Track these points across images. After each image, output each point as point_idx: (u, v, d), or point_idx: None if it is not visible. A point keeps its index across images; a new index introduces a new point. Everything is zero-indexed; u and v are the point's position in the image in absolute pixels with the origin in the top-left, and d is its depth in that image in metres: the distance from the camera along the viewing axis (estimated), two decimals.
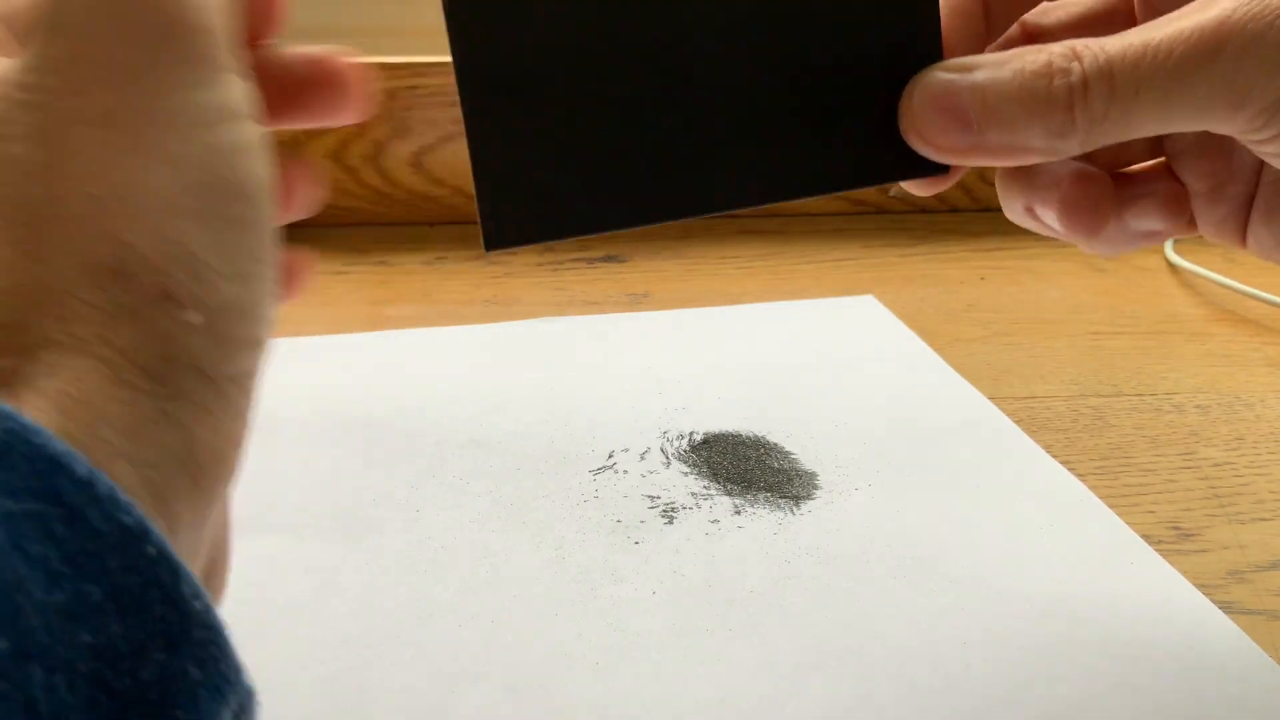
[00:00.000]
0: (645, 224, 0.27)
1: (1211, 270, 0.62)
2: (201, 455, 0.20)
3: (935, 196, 0.72)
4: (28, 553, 0.16)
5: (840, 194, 0.71)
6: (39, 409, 0.18)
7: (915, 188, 0.30)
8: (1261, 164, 0.31)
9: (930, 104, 0.27)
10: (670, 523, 0.40)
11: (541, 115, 0.26)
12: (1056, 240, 0.35)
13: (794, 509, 0.41)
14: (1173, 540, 0.40)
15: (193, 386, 0.20)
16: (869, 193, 0.72)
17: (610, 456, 0.44)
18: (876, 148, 0.28)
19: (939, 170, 0.29)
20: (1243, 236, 0.33)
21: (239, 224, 0.21)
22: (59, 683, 0.15)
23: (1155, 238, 0.33)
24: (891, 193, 0.71)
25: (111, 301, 0.19)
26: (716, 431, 0.46)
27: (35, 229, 0.19)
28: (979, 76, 0.26)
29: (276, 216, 0.22)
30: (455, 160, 0.70)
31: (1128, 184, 0.33)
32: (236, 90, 0.21)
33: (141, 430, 0.19)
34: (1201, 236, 0.34)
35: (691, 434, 0.46)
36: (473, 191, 0.26)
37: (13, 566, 0.15)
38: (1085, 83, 0.26)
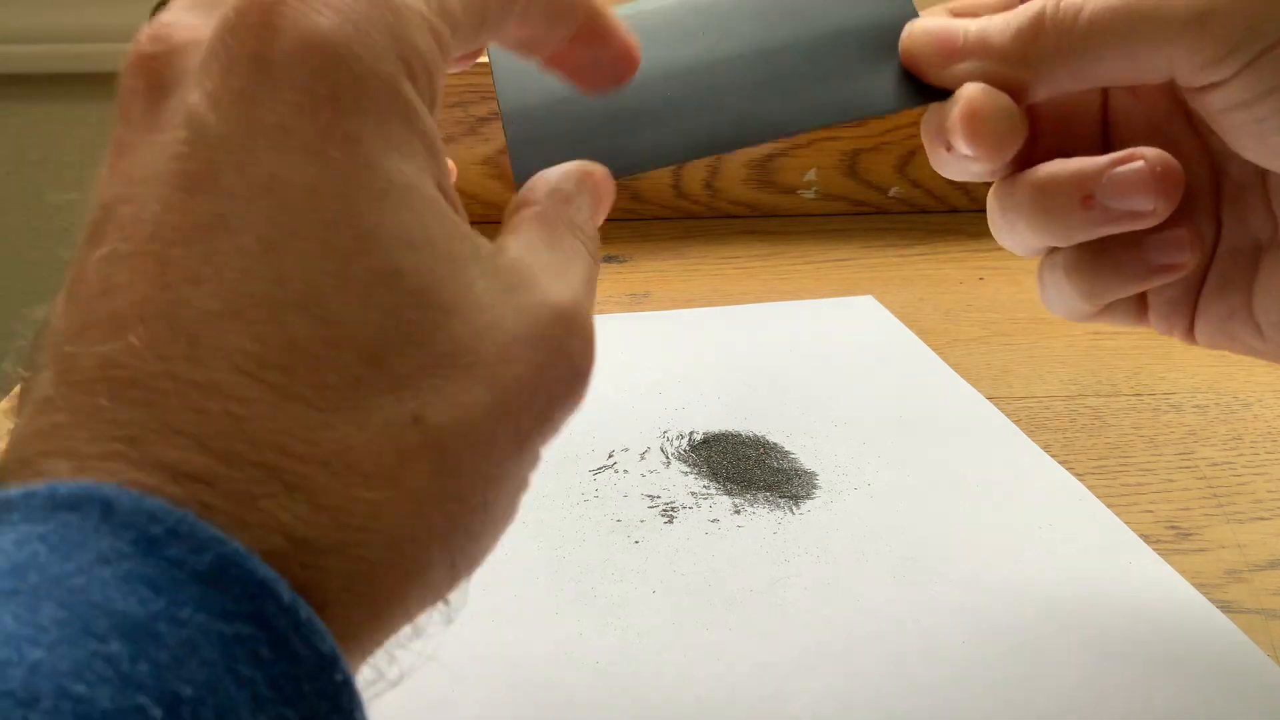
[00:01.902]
0: (667, 164, 0.30)
1: None
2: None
3: (935, 197, 0.72)
4: (239, 675, 0.16)
5: (841, 196, 0.71)
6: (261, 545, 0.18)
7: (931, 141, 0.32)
8: (1218, 234, 0.31)
9: (924, 29, 0.30)
10: (670, 522, 0.40)
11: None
12: None
13: (793, 509, 0.41)
14: (1171, 540, 0.40)
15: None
16: (869, 193, 0.72)
17: (610, 456, 0.44)
18: (877, 83, 0.31)
19: (940, 96, 0.30)
20: (1191, 320, 0.32)
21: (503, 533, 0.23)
22: None
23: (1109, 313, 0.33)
24: (892, 192, 0.71)
25: (429, 570, 0.20)
26: (716, 431, 0.46)
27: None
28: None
29: None
30: (457, 161, 0.70)
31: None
32: (533, 469, 0.23)
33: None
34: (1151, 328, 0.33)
35: (691, 434, 0.46)
36: (475, 192, 0.27)
37: (226, 689, 0.16)
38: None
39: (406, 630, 0.21)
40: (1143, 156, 0.29)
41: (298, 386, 0.18)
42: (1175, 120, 0.31)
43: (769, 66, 0.31)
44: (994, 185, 0.32)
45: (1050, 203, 0.29)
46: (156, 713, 0.15)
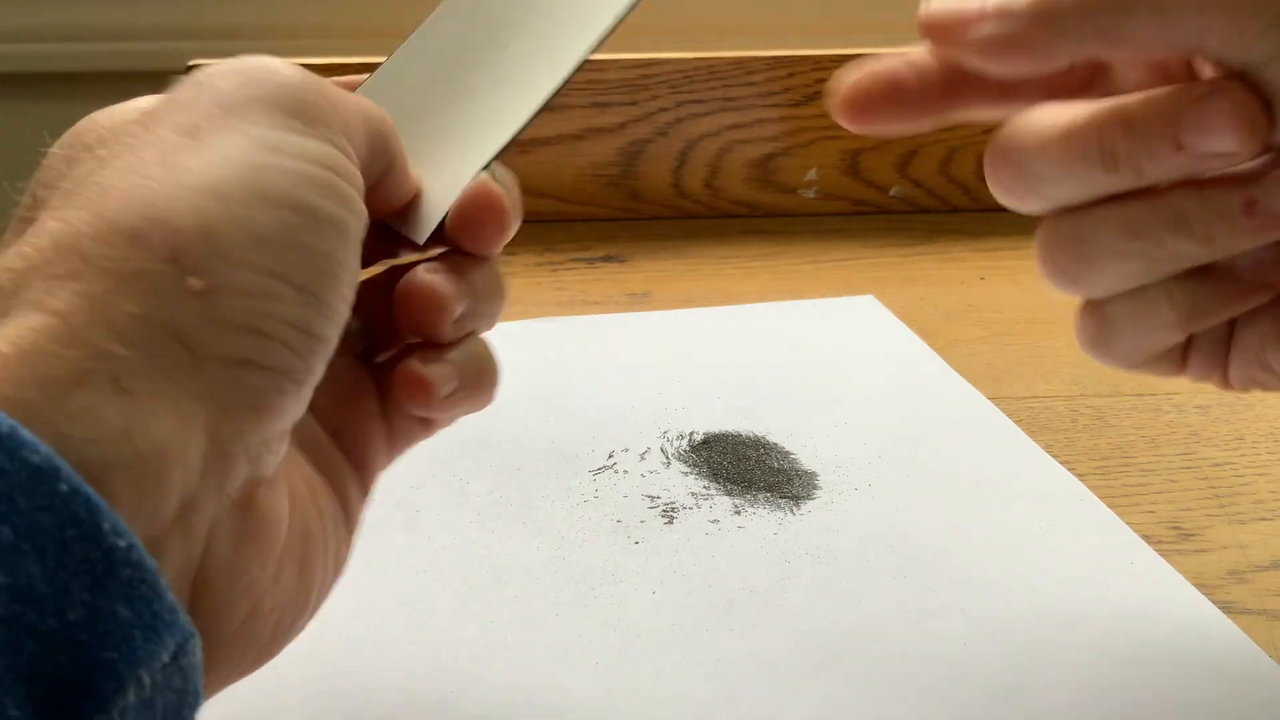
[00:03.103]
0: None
1: None
2: (140, 442, 0.19)
3: (936, 196, 0.72)
4: None
5: (842, 196, 0.71)
6: None
7: None
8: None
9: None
10: (670, 523, 0.40)
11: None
12: None
13: (794, 509, 0.41)
14: (1173, 540, 0.40)
15: (165, 355, 0.19)
16: (870, 192, 0.72)
17: (610, 456, 0.44)
18: None
19: None
20: (1226, 361, 0.30)
21: (291, 239, 0.21)
22: None
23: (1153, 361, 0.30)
24: (893, 192, 0.71)
25: (110, 258, 0.20)
26: (716, 431, 0.46)
27: (80, 194, 0.21)
28: None
29: (353, 268, 0.23)
30: None
31: None
32: (335, 156, 0.23)
33: (74, 398, 0.18)
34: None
35: (691, 434, 0.46)
36: None
37: None
38: None
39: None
40: (1227, 86, 0.25)
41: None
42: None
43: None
44: (1088, 207, 0.28)
45: (1210, 210, 0.26)
46: None
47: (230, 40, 1.05)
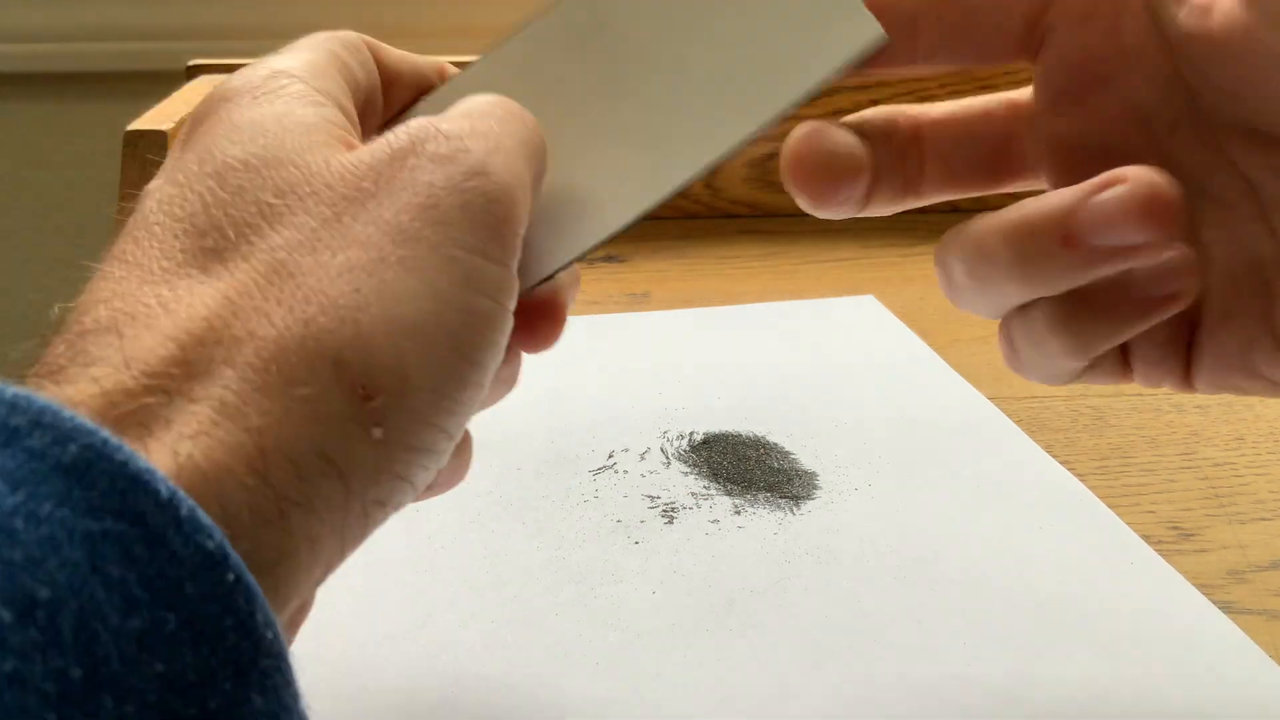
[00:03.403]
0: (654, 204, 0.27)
1: None
2: (281, 567, 0.19)
3: None
4: (107, 576, 0.15)
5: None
6: (161, 463, 0.17)
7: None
8: (1204, 262, 0.26)
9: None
10: (670, 523, 0.40)
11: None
12: None
13: (794, 509, 0.41)
14: (1173, 540, 0.40)
15: (332, 499, 0.20)
16: None
17: (610, 456, 0.44)
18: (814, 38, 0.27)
19: (874, 34, 0.26)
20: (1186, 366, 0.27)
21: (459, 383, 0.21)
22: (128, 712, 0.15)
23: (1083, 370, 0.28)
24: None
25: (309, 384, 0.19)
26: (716, 431, 0.46)
27: (281, 284, 0.20)
28: None
29: (480, 401, 0.23)
30: None
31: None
32: (510, 280, 0.22)
33: (244, 522, 0.18)
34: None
35: (691, 434, 0.46)
36: None
37: (90, 591, 0.15)
38: None
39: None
40: (1125, 178, 0.23)
41: (152, 272, 0.20)
42: (1132, 136, 0.26)
43: (684, 77, 0.27)
44: (959, 253, 0.28)
45: (1028, 248, 0.25)
46: (6, 615, 0.14)
47: (230, 40, 1.05)
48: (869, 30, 0.26)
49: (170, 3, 1.06)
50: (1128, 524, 0.40)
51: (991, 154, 0.28)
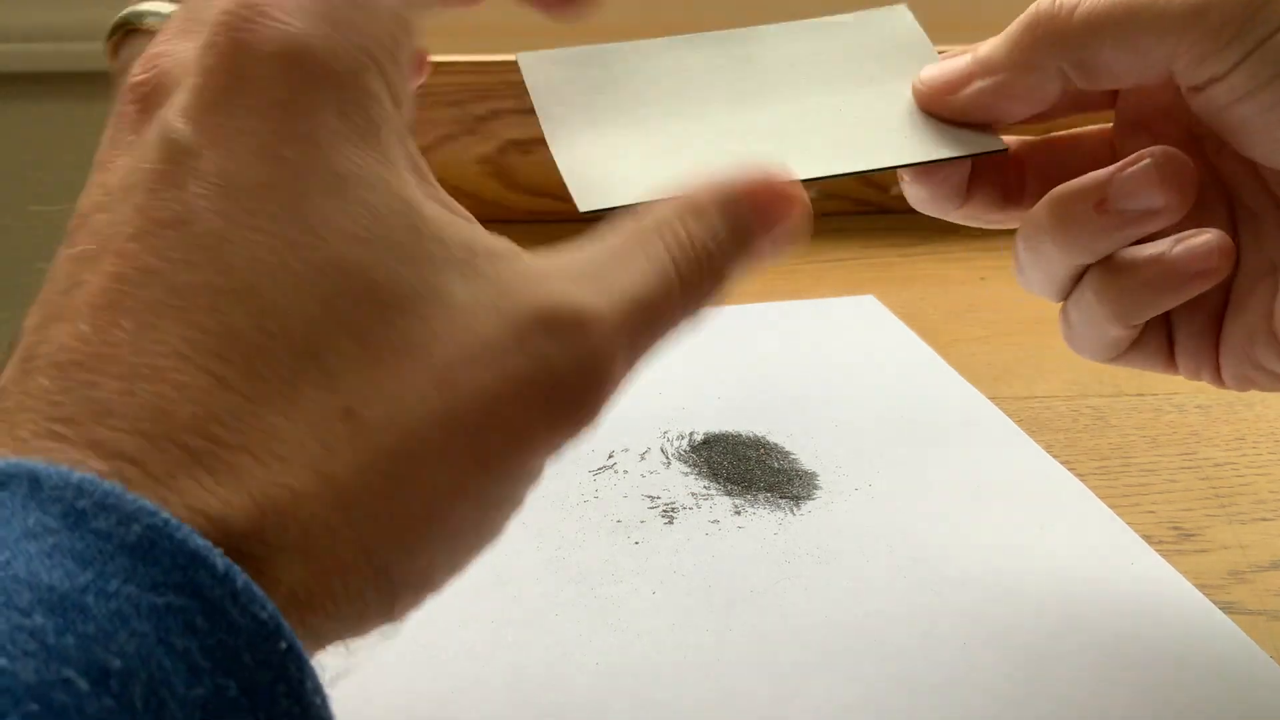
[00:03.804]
0: None
1: None
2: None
3: None
4: (172, 646, 0.16)
5: (842, 195, 0.71)
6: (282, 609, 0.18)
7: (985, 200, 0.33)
8: (1237, 261, 0.31)
9: (924, 76, 0.32)
10: (670, 523, 0.40)
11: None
12: None
13: (794, 509, 0.41)
14: (1173, 540, 0.39)
15: (367, 617, 0.21)
16: (869, 192, 0.72)
17: (610, 456, 0.44)
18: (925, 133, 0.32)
19: (995, 147, 0.31)
20: (1216, 358, 0.32)
21: (468, 566, 0.22)
22: None
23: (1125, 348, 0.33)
24: (893, 191, 0.71)
25: (357, 600, 0.20)
26: (716, 431, 0.46)
27: (338, 458, 0.19)
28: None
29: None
30: (455, 160, 0.70)
31: None
32: (523, 488, 0.22)
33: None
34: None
35: (691, 434, 0.46)
36: (473, 191, 0.27)
37: (157, 660, 0.16)
38: None
39: (337, 651, 0.21)
40: (1149, 155, 0.29)
41: (231, 374, 0.18)
42: (1185, 150, 0.31)
43: (803, 117, 0.31)
44: (1020, 229, 0.32)
45: (1067, 213, 0.30)
46: (83, 685, 0.15)
47: None
48: (995, 143, 0.31)
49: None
50: (1128, 524, 0.40)
51: (1082, 170, 0.32)
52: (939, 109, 0.31)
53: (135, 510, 0.16)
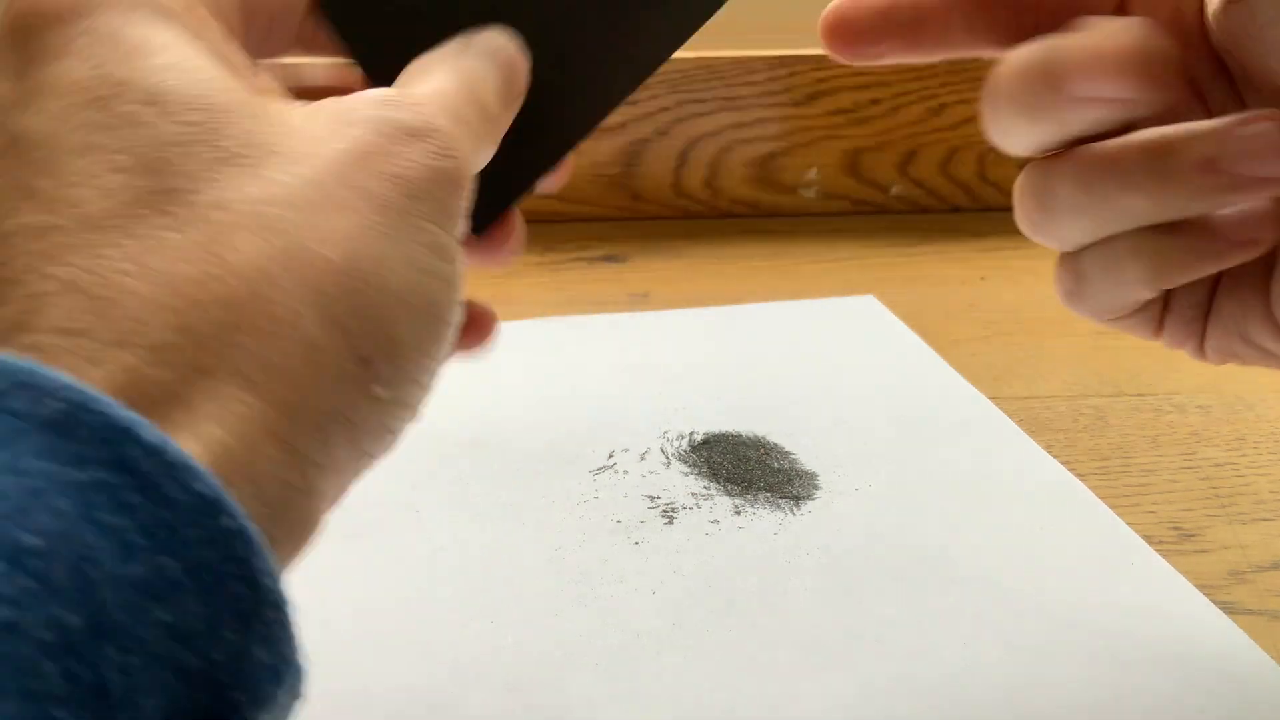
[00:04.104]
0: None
1: None
2: (300, 523, 0.19)
3: (936, 196, 0.72)
4: (99, 523, 0.15)
5: (842, 195, 0.71)
6: (193, 452, 0.17)
7: None
8: None
9: None
10: (670, 523, 0.40)
11: None
12: None
13: (794, 509, 0.41)
14: (1173, 540, 0.39)
15: (343, 457, 0.20)
16: (870, 192, 0.72)
17: (610, 456, 0.44)
18: None
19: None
20: (1203, 331, 0.29)
21: (438, 343, 0.22)
22: (133, 663, 0.15)
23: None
24: (893, 191, 0.71)
25: (325, 350, 0.19)
26: (716, 431, 0.46)
27: (272, 239, 0.19)
28: None
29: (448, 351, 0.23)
30: None
31: None
32: (458, 248, 0.23)
33: (269, 494, 0.18)
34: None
35: (691, 434, 0.46)
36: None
37: (81, 537, 0.15)
38: None
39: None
40: (1270, 117, 0.25)
41: (91, 215, 0.19)
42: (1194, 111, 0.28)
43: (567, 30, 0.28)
44: (1050, 159, 0.27)
45: (1164, 167, 0.25)
46: None
47: None
48: None
49: None
50: (1128, 524, 0.40)
51: (1078, 11, 0.28)
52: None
53: (53, 387, 0.16)
